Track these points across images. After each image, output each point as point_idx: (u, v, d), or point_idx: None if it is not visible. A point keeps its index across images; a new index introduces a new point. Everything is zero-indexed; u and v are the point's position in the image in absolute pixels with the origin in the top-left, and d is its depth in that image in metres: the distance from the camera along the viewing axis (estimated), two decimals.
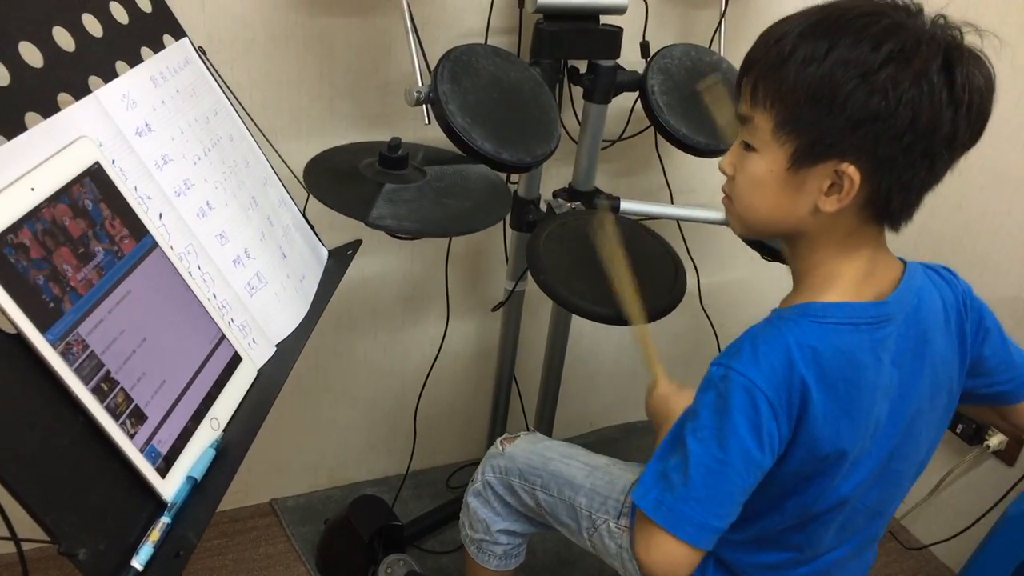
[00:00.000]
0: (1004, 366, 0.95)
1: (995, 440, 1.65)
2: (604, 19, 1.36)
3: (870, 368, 0.82)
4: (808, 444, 0.82)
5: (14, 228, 0.63)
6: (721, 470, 0.79)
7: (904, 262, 0.89)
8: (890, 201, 0.79)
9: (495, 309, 1.59)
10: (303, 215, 1.10)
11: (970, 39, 0.76)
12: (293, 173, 1.13)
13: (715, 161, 1.35)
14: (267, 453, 1.70)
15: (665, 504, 0.81)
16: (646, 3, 1.43)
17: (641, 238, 1.31)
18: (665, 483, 0.81)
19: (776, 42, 0.77)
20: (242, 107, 1.03)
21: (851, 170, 0.76)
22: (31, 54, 0.73)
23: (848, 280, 0.83)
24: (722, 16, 1.49)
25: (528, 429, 1.77)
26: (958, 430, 1.70)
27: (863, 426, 0.83)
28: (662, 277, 1.23)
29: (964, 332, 0.92)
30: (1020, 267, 1.60)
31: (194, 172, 0.86)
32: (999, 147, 1.55)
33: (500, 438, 1.30)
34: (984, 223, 1.64)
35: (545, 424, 1.75)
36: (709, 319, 1.85)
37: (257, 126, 1.07)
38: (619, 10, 1.35)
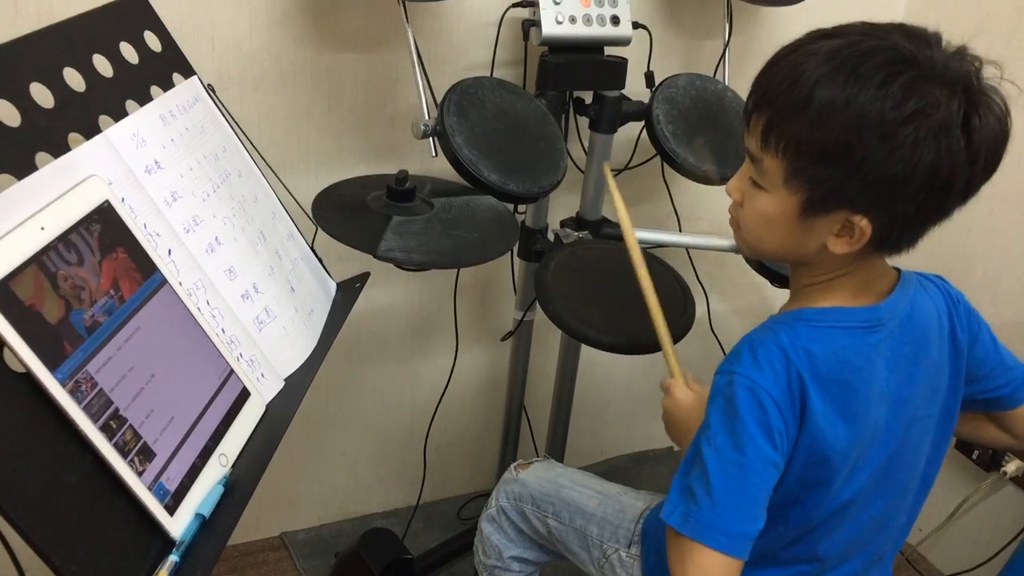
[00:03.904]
0: (998, 371, 0.95)
1: (1012, 466, 1.63)
2: (608, 50, 1.37)
3: (864, 371, 0.83)
4: (808, 447, 0.82)
5: (23, 267, 0.64)
6: (740, 473, 0.79)
7: (899, 271, 0.90)
8: (899, 242, 0.80)
9: (504, 339, 1.59)
10: (311, 248, 1.10)
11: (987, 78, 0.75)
12: (301, 207, 1.13)
13: (721, 190, 1.37)
14: (277, 486, 1.69)
15: (692, 516, 0.80)
16: (650, 34, 1.44)
17: (649, 266, 1.30)
18: (689, 496, 0.81)
19: (791, 85, 0.75)
20: (251, 143, 1.04)
21: (863, 223, 0.76)
22: (42, 95, 0.74)
23: (844, 292, 0.85)
24: (726, 45, 1.50)
25: (543, 456, 1.76)
26: (974, 456, 1.68)
27: (860, 430, 0.84)
28: (671, 306, 1.23)
29: (956, 339, 0.92)
30: None
31: (203, 208, 0.87)
32: (1008, 171, 1.55)
33: (514, 464, 1.30)
34: (994, 247, 1.63)
35: (556, 453, 1.74)
36: (720, 344, 1.84)
37: (266, 161, 1.08)
38: (623, 41, 1.36)
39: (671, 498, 0.82)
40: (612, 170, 1.48)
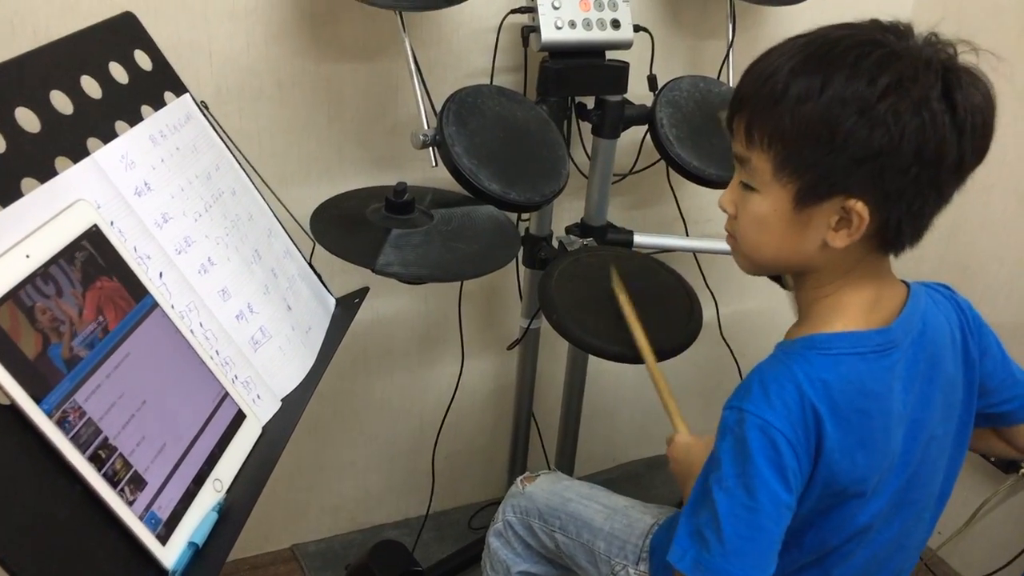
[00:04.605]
0: (1007, 384, 0.93)
1: None
2: (610, 54, 1.35)
3: (882, 397, 0.80)
4: (825, 479, 0.79)
5: (7, 297, 0.63)
6: (752, 518, 0.77)
7: (907, 284, 0.87)
8: (900, 231, 0.77)
9: (511, 347, 1.57)
10: (310, 264, 1.09)
11: (965, 57, 0.75)
12: (298, 223, 1.12)
13: None
14: (287, 497, 1.69)
15: (703, 563, 0.78)
16: (652, 36, 1.42)
17: (655, 273, 1.29)
18: (700, 541, 0.78)
19: (767, 80, 0.75)
20: (245, 159, 1.03)
21: (859, 206, 0.74)
22: (28, 119, 0.73)
23: (854, 310, 0.82)
24: (730, 47, 1.47)
25: (549, 467, 1.75)
26: (992, 458, 1.65)
27: (879, 456, 0.81)
28: (677, 313, 1.21)
29: (969, 351, 0.90)
30: None
31: (195, 229, 0.86)
32: (1021, 167, 1.52)
33: (521, 477, 1.28)
34: (1012, 245, 1.60)
35: (566, 460, 1.72)
36: (730, 349, 1.82)
37: (261, 177, 1.07)
38: (624, 45, 1.34)
39: (680, 540, 0.80)
40: (616, 176, 1.47)
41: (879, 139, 0.71)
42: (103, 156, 0.78)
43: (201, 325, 0.83)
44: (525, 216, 1.49)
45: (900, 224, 0.76)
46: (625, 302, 1.12)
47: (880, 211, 0.75)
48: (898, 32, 0.74)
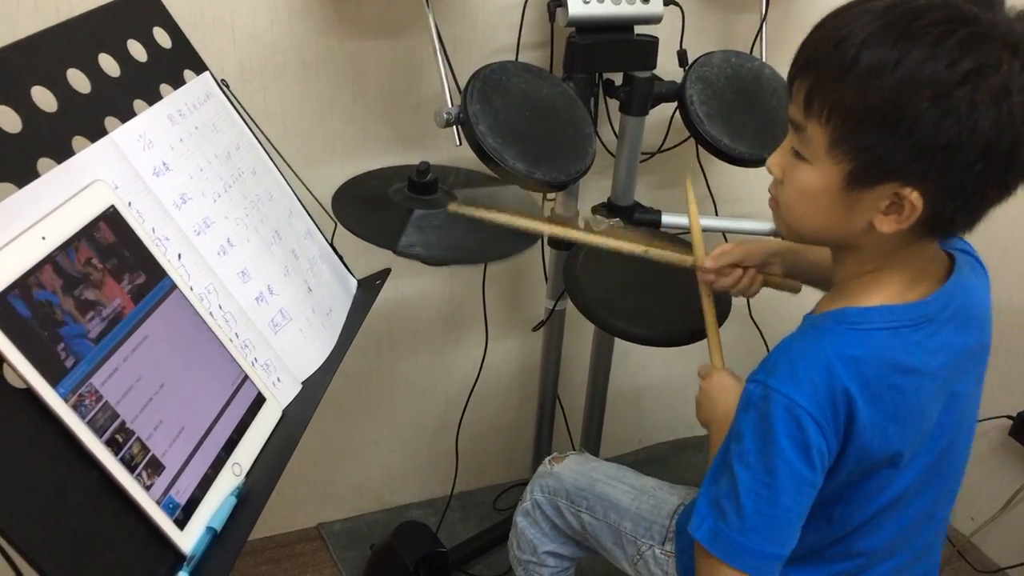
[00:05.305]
0: None
1: None
2: (639, 29, 1.32)
3: (917, 371, 0.78)
4: (857, 455, 0.78)
5: (23, 279, 0.62)
6: (772, 496, 0.75)
7: (952, 255, 0.84)
8: (954, 223, 0.74)
9: (536, 329, 1.56)
10: (331, 245, 1.08)
11: None
12: (320, 203, 1.11)
13: (759, 171, 1.31)
14: (312, 477, 1.69)
15: (721, 535, 0.77)
16: (682, 10, 1.38)
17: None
18: (718, 512, 0.78)
19: (837, 44, 0.69)
20: (266, 138, 1.02)
21: (913, 196, 0.70)
22: (44, 98, 0.72)
23: (892, 287, 0.79)
24: (763, 20, 1.43)
25: (575, 448, 1.73)
26: None
27: (912, 430, 0.79)
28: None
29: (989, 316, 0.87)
30: None
31: (214, 210, 0.85)
32: None
33: (549, 457, 1.27)
34: None
35: (592, 442, 1.71)
36: (759, 330, 1.79)
37: (283, 157, 1.05)
38: (654, 19, 1.30)
39: (699, 509, 0.79)
40: (644, 154, 1.44)
41: (949, 130, 0.66)
42: (121, 136, 0.77)
43: (220, 307, 0.82)
44: (551, 196, 1.46)
45: (954, 216, 0.72)
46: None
47: (935, 202, 0.71)
48: (986, 3, 0.68)
